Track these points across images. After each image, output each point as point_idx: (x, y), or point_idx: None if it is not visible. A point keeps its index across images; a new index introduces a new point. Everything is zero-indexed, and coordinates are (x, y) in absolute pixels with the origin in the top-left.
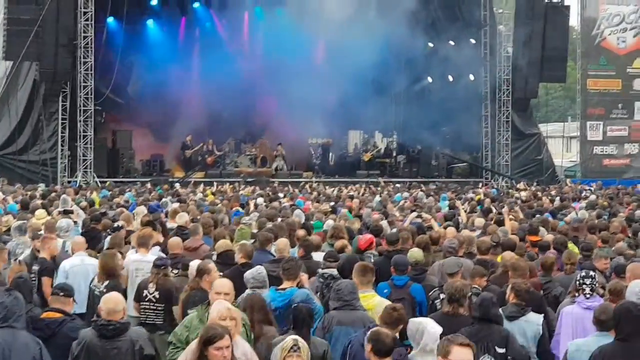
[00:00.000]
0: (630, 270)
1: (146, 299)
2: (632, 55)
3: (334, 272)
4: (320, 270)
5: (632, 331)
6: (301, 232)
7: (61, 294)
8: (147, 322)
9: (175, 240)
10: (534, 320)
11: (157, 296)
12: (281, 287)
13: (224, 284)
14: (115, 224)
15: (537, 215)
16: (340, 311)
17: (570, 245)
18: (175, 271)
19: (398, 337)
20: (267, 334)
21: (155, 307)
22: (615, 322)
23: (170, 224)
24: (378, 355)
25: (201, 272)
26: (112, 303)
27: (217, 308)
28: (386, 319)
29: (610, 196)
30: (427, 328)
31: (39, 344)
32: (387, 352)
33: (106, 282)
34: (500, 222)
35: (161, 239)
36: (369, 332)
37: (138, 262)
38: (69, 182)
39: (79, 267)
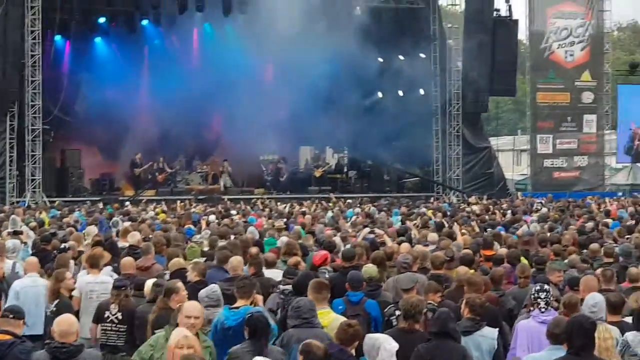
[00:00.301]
0: (583, 283)
1: (108, 320)
2: (580, 68)
3: (288, 287)
4: (281, 287)
5: (583, 344)
6: (254, 250)
7: (11, 316)
8: (108, 343)
9: (128, 260)
10: (488, 335)
11: (120, 317)
12: (235, 305)
13: (194, 307)
14: (62, 245)
15: (489, 229)
16: (299, 329)
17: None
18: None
19: (354, 354)
20: None
21: (117, 329)
22: (567, 335)
23: (122, 244)
24: None
25: (169, 291)
26: (66, 325)
27: (175, 337)
28: (341, 335)
29: (561, 209)
30: (383, 344)
31: None
32: None
33: (56, 302)
34: (451, 236)
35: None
36: (300, 345)
37: (92, 283)
38: (17, 202)
39: (31, 288)
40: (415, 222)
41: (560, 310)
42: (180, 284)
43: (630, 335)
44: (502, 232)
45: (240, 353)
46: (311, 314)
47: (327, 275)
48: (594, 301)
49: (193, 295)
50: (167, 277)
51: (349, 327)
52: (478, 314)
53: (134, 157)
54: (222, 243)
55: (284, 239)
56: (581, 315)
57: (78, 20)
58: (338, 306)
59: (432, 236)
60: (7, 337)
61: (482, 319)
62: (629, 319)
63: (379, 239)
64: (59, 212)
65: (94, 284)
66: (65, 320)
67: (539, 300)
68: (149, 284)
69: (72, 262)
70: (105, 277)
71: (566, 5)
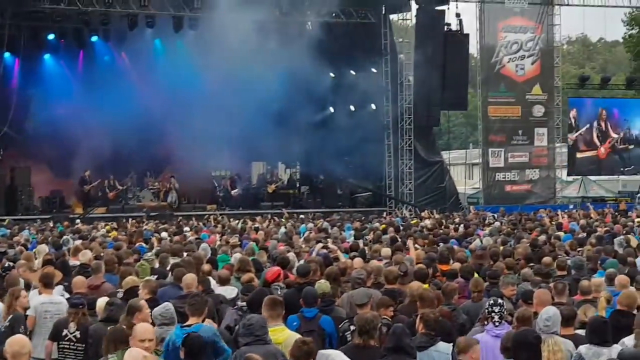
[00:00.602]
0: (537, 297)
1: (66, 339)
2: (530, 82)
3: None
4: (239, 303)
5: (527, 358)
6: (206, 267)
7: None
8: None
9: (79, 279)
10: (443, 350)
11: (78, 336)
12: (186, 323)
13: (146, 330)
14: (7, 264)
15: (441, 244)
16: (252, 346)
17: None
18: None
19: None
20: None
21: (75, 347)
22: (512, 349)
23: (73, 262)
24: None
25: (132, 309)
26: (18, 346)
27: (131, 357)
28: (296, 352)
29: (514, 222)
30: None
31: None
32: None
33: (9, 317)
34: (400, 249)
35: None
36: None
37: (46, 304)
38: None
39: None
40: (367, 237)
41: (513, 324)
42: (143, 302)
43: (583, 349)
44: (455, 246)
45: None
46: (263, 331)
47: (279, 292)
48: (547, 315)
49: None
50: (119, 295)
51: (303, 345)
52: (432, 329)
53: (83, 174)
54: (174, 260)
55: (237, 256)
56: (527, 329)
57: (27, 37)
58: (293, 322)
59: (385, 251)
60: None
61: (437, 334)
62: (581, 332)
63: (333, 254)
64: (9, 230)
65: (48, 304)
66: (17, 341)
67: (493, 314)
68: (100, 303)
69: (21, 280)
70: (58, 297)
71: (516, 19)
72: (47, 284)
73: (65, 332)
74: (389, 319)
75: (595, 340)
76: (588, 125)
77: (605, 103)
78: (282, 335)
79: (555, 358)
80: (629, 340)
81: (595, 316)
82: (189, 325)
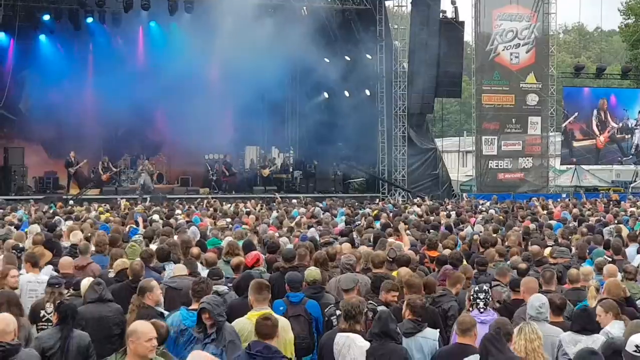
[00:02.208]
0: (524, 284)
1: (44, 319)
2: (525, 70)
3: (220, 288)
4: (214, 287)
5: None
6: (195, 250)
7: None
8: None
9: (66, 260)
10: (430, 336)
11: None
12: (192, 307)
13: (150, 329)
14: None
15: (432, 231)
16: None
17: None
18: (66, 291)
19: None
20: None
21: None
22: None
23: (64, 242)
24: None
25: (143, 290)
26: (3, 324)
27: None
28: (263, 330)
29: (505, 210)
30: (354, 341)
31: None
32: None
33: None
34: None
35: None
36: None
37: (33, 282)
38: None
39: None
40: (359, 222)
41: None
42: (154, 283)
43: (565, 335)
44: (447, 233)
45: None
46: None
47: (262, 276)
48: (539, 302)
49: (123, 294)
50: (110, 275)
51: (266, 320)
52: (419, 316)
53: (69, 156)
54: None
55: (228, 239)
56: (502, 318)
57: (22, 18)
58: (279, 307)
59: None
60: None
61: (423, 320)
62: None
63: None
64: (1, 210)
65: (35, 283)
66: (3, 319)
67: (478, 300)
68: (85, 283)
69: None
70: (45, 277)
71: (512, 7)
72: (34, 263)
73: (42, 313)
74: (375, 304)
75: (575, 328)
76: (596, 113)
77: (606, 92)
78: None
79: (532, 346)
80: (611, 328)
81: (584, 305)
82: (194, 310)
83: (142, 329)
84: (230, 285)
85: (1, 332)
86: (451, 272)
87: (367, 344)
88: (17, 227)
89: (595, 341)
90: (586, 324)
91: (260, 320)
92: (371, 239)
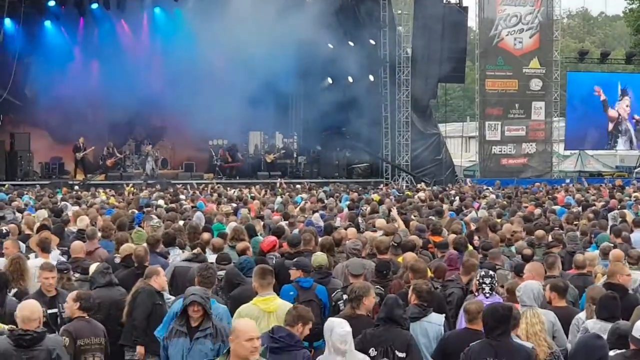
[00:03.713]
0: (528, 270)
1: None
2: (528, 55)
3: None
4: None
5: (496, 327)
6: (206, 236)
7: None
8: None
9: (77, 244)
10: (435, 321)
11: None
12: None
13: (252, 326)
14: (4, 229)
15: (435, 216)
16: None
17: None
18: (77, 275)
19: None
20: None
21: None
22: (484, 321)
23: (71, 228)
24: None
25: (150, 274)
26: (28, 311)
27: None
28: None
29: (509, 195)
30: (335, 328)
31: None
32: None
33: (14, 290)
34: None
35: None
36: None
37: None
38: None
39: None
40: (363, 207)
41: (503, 295)
42: (160, 268)
43: (590, 323)
44: (453, 218)
45: None
46: None
47: (274, 262)
48: (519, 286)
49: (130, 280)
50: (117, 260)
51: (293, 310)
52: (425, 300)
53: (77, 141)
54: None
55: (232, 224)
56: (498, 303)
57: (27, 3)
58: (289, 292)
59: (380, 222)
60: None
61: (429, 305)
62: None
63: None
64: (9, 195)
65: None
66: (28, 306)
67: (484, 285)
68: (94, 268)
69: (22, 245)
70: (54, 262)
71: None
72: (44, 248)
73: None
74: (382, 289)
75: (603, 316)
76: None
77: (610, 78)
78: (274, 303)
79: (533, 330)
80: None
81: (607, 292)
82: None
83: (241, 327)
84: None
85: (26, 319)
86: (460, 257)
87: (348, 330)
88: (21, 212)
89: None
90: (615, 311)
91: (291, 309)
92: (376, 225)
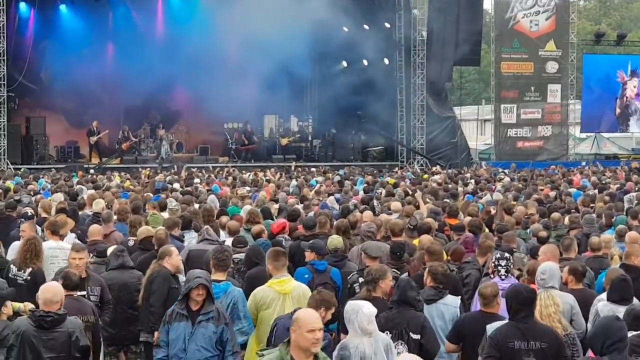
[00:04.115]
0: (544, 252)
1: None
2: (544, 38)
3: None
4: (238, 255)
5: (521, 310)
6: (225, 219)
7: None
8: None
9: (95, 228)
10: (451, 303)
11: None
12: (214, 278)
13: (316, 318)
14: (29, 212)
15: (451, 199)
16: None
17: None
18: (94, 258)
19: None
20: None
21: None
22: (507, 304)
23: (86, 211)
24: None
25: (163, 254)
26: (50, 293)
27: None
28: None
29: (525, 178)
30: (362, 309)
31: None
32: None
33: (29, 270)
34: (415, 205)
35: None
36: None
37: (54, 249)
38: None
39: None
40: (379, 190)
41: (523, 277)
42: (173, 248)
43: (600, 305)
44: (471, 201)
45: None
46: None
47: (284, 244)
48: (543, 269)
49: (150, 263)
50: (130, 243)
51: (317, 294)
52: (440, 282)
53: (91, 125)
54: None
55: (247, 207)
56: (520, 284)
57: None
58: (304, 274)
59: (396, 205)
60: None
61: (445, 287)
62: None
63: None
64: (25, 179)
65: (56, 249)
66: (50, 288)
67: (499, 267)
68: (111, 250)
69: (37, 228)
70: (65, 244)
71: None
72: (54, 231)
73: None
74: (398, 272)
75: (613, 298)
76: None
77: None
78: (289, 285)
79: (547, 312)
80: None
81: (618, 274)
82: (217, 281)
83: (304, 317)
84: None
85: (48, 302)
86: (477, 239)
87: (374, 311)
88: (36, 194)
89: None
90: (625, 293)
91: (315, 293)
92: (391, 207)
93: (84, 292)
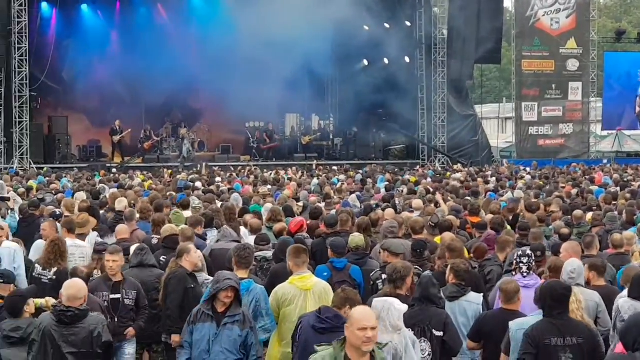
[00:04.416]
0: (566, 249)
1: None
2: (565, 36)
3: (267, 254)
4: (261, 253)
5: (556, 307)
6: (248, 217)
7: (1, 281)
8: None
9: (122, 227)
10: (474, 300)
11: None
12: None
13: (370, 315)
14: (57, 211)
15: (472, 197)
16: None
17: None
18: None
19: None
20: None
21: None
22: (542, 300)
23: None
24: None
25: (181, 252)
26: (74, 289)
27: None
28: (335, 299)
29: (546, 176)
30: (393, 304)
31: None
32: None
33: (54, 270)
34: (435, 203)
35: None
36: None
37: (70, 247)
38: (5, 168)
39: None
40: (400, 189)
41: (545, 274)
42: (191, 246)
43: (621, 301)
44: (493, 199)
45: None
46: None
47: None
48: (572, 267)
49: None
50: (154, 241)
51: (342, 292)
52: (463, 279)
53: (114, 124)
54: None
55: (267, 206)
56: (554, 280)
57: None
58: (323, 272)
59: (417, 203)
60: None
61: (467, 285)
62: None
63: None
64: (47, 179)
65: (73, 247)
66: (74, 285)
67: (521, 264)
68: (134, 249)
69: (59, 226)
70: (81, 242)
71: None
72: (70, 229)
73: (90, 279)
74: (420, 269)
75: (634, 294)
76: None
77: None
78: (310, 282)
79: (570, 308)
80: None
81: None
82: (240, 279)
83: (355, 315)
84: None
85: (72, 298)
86: (497, 237)
87: (405, 307)
88: (58, 193)
89: None
90: None
91: (339, 291)
92: (413, 205)
93: (118, 295)
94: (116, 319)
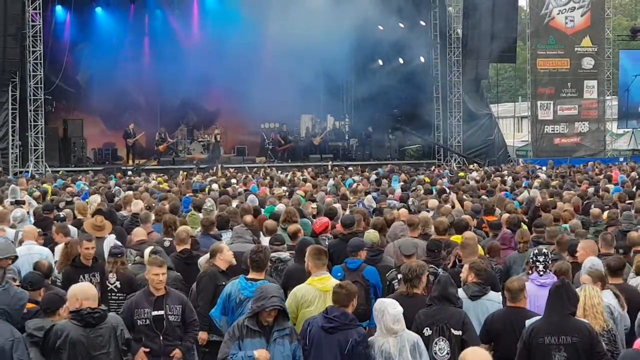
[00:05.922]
0: (582, 248)
1: (107, 289)
2: (580, 34)
3: (282, 255)
4: (276, 254)
5: (556, 306)
6: (248, 218)
7: (30, 288)
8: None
9: (139, 230)
10: (495, 299)
11: (119, 286)
12: (250, 276)
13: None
14: (62, 214)
15: (484, 197)
16: None
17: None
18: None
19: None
20: None
21: (117, 297)
22: (556, 298)
23: (124, 212)
24: None
25: (214, 252)
26: (92, 290)
27: None
28: (337, 298)
29: (562, 174)
30: (387, 308)
31: (13, 334)
32: None
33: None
34: (448, 202)
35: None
36: None
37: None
38: (20, 172)
39: (26, 256)
40: (416, 188)
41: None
42: (223, 245)
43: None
44: (508, 198)
45: None
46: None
47: (327, 243)
48: (591, 264)
49: (183, 264)
50: (166, 244)
51: (341, 289)
52: (483, 278)
53: (128, 127)
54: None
55: (281, 207)
56: (558, 280)
57: None
58: (337, 273)
59: (432, 202)
60: (32, 305)
61: (486, 283)
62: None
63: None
64: (64, 181)
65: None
66: (87, 287)
67: (537, 263)
68: (148, 252)
69: (74, 229)
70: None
71: None
72: (65, 233)
73: (105, 283)
74: (436, 268)
75: None
76: None
77: None
78: (329, 283)
79: (591, 302)
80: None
81: None
82: (254, 280)
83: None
84: (291, 252)
85: (91, 297)
86: (513, 237)
87: (400, 310)
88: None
89: None
90: None
91: (336, 287)
92: (429, 205)
93: (161, 312)
94: (161, 338)
